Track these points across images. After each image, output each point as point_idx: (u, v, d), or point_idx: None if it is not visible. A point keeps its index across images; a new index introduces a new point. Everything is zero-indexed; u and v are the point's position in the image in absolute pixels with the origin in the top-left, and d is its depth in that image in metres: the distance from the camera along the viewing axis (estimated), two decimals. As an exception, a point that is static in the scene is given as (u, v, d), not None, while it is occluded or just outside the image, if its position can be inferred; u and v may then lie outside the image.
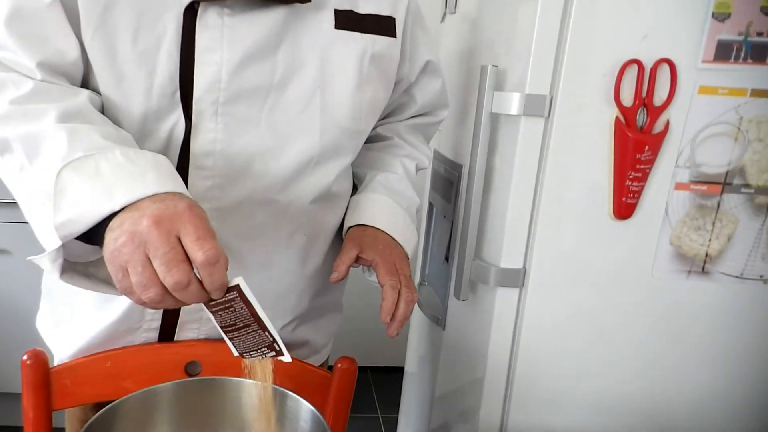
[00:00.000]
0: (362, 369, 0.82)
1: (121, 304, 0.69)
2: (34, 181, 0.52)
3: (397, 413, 1.60)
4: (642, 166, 0.79)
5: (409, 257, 0.76)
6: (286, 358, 0.52)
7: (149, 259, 0.45)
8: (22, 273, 1.66)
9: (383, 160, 0.84)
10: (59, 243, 0.49)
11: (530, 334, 0.91)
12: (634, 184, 0.80)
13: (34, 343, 0.74)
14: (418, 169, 0.88)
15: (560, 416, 0.94)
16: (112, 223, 0.47)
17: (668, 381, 0.92)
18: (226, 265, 0.48)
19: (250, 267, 0.71)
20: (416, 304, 1.30)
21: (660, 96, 0.79)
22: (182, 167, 0.64)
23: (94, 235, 0.49)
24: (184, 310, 0.71)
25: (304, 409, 0.54)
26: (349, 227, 0.76)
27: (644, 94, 0.78)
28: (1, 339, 1.69)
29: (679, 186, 0.83)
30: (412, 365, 1.45)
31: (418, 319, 1.38)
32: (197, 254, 0.45)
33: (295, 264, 0.74)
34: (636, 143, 0.79)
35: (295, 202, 0.70)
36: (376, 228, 0.74)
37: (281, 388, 0.56)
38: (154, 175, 0.50)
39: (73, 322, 0.73)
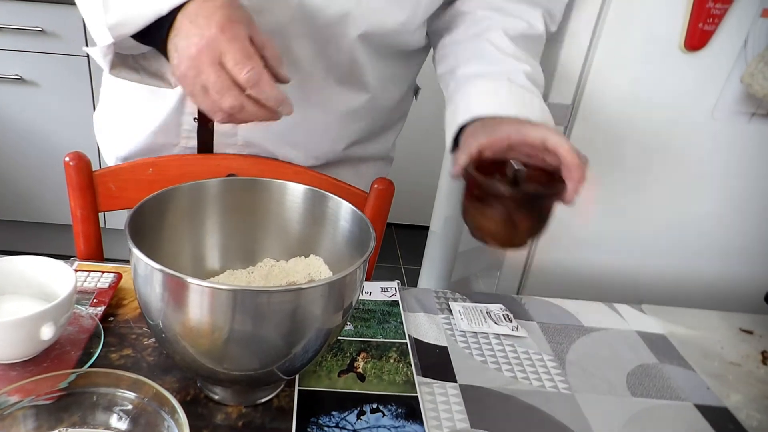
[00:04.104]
0: (387, 225, 0.81)
1: (159, 112, 0.69)
2: None
3: (418, 265, 1.68)
4: (729, -16, 0.70)
5: None
6: None
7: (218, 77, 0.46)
8: (53, 105, 1.66)
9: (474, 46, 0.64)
10: (110, 41, 0.51)
11: (570, 174, 0.89)
12: (717, 6, 0.71)
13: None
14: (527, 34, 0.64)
15: (587, 254, 0.95)
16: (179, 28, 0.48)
17: (710, 227, 0.91)
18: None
19: None
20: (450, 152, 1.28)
21: None
22: None
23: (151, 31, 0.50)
24: (218, 131, 0.70)
25: (344, 208, 0.54)
26: (463, 126, 0.59)
27: None
28: (38, 171, 1.75)
29: (767, 12, 0.74)
30: (437, 225, 1.47)
31: (449, 168, 1.36)
32: (239, 78, 0.46)
33: (331, 104, 0.68)
34: (728, -47, 0.69)
35: (334, 37, 0.62)
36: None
37: (320, 190, 0.56)
38: None
39: (119, 126, 0.74)
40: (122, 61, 0.56)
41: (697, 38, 0.75)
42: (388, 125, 0.78)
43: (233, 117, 0.49)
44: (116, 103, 0.75)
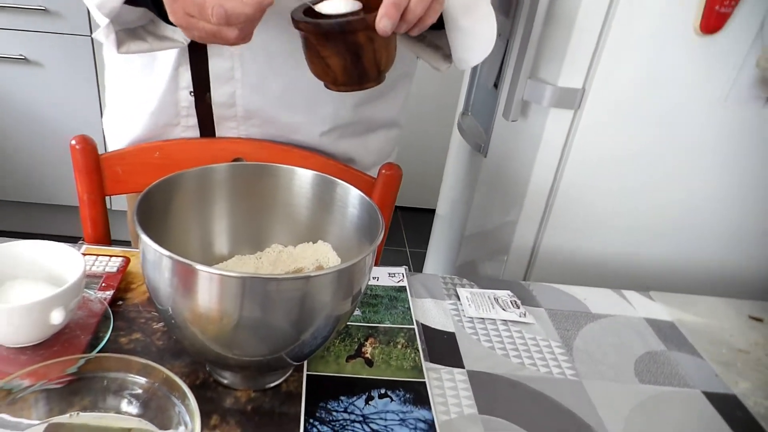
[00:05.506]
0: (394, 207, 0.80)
1: (156, 90, 0.69)
2: None
3: (424, 249, 1.68)
4: (747, -36, 0.68)
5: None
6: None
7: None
8: (57, 85, 1.65)
9: None
10: (107, 20, 0.54)
11: (578, 157, 0.88)
12: (733, -13, 0.69)
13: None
14: None
15: (594, 240, 0.95)
16: None
17: (721, 213, 0.90)
18: None
19: (275, 58, 0.66)
20: (458, 131, 1.27)
21: None
22: None
23: None
24: (215, 104, 0.69)
25: (352, 194, 0.53)
26: None
27: None
28: (42, 152, 1.75)
29: (784, -7, 0.72)
30: (443, 208, 1.47)
31: (455, 152, 1.35)
32: None
33: None
34: (747, -68, 0.67)
35: None
36: None
37: (328, 176, 0.55)
38: None
39: (124, 114, 0.75)
40: (129, 36, 0.57)
41: (713, 21, 0.73)
42: (391, 83, 0.75)
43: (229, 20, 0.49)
44: (118, 95, 0.75)
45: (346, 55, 0.52)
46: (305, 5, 0.54)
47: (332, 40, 0.51)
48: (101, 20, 0.55)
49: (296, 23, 0.52)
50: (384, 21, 0.49)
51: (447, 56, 0.68)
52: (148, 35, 0.59)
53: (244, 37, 0.52)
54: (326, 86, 0.57)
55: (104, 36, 0.56)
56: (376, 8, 0.50)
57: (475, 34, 0.61)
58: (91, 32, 1.59)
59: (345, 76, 0.54)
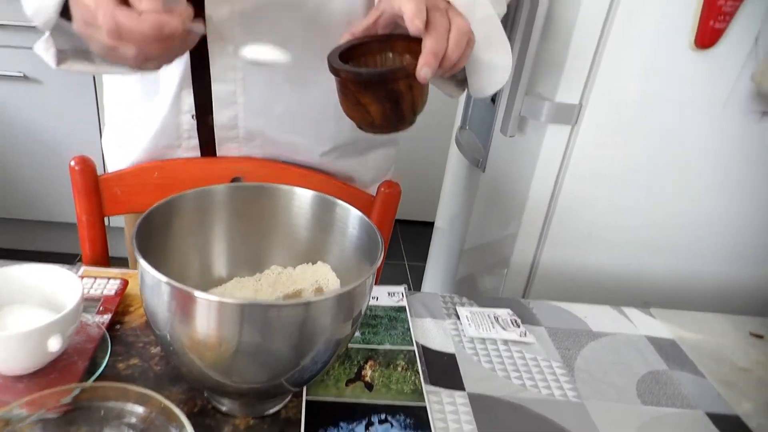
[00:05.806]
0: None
1: (158, 113, 0.69)
2: None
3: (422, 262, 1.68)
4: (742, -18, 0.69)
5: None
6: None
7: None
8: (56, 103, 1.66)
9: None
10: (46, 33, 0.53)
11: (576, 172, 0.89)
12: (728, 3, 0.70)
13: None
14: None
15: (593, 254, 0.95)
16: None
17: (719, 228, 0.90)
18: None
19: (281, 85, 0.67)
20: (456, 146, 1.27)
21: None
22: None
23: None
24: (217, 126, 0.69)
25: (352, 215, 0.53)
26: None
27: None
28: (42, 169, 1.75)
29: (778, 10, 0.73)
30: (442, 221, 1.47)
31: (453, 167, 1.36)
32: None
33: (330, 83, 0.69)
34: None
35: (324, 6, 0.63)
36: None
37: (329, 196, 0.55)
38: None
39: (124, 136, 0.74)
40: (77, 55, 0.56)
41: (708, 36, 0.74)
42: None
43: (123, 38, 0.46)
44: (118, 117, 0.75)
45: (386, 103, 0.53)
46: (340, 48, 0.54)
47: (373, 88, 0.52)
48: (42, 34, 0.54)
49: (336, 71, 0.52)
50: (424, 70, 0.50)
51: (460, 82, 0.68)
52: (95, 56, 0.57)
53: (146, 59, 0.48)
54: (360, 127, 0.58)
55: (44, 49, 0.55)
56: (403, 51, 0.51)
57: (494, 66, 0.62)
58: (90, 50, 1.59)
59: (383, 120, 0.54)
